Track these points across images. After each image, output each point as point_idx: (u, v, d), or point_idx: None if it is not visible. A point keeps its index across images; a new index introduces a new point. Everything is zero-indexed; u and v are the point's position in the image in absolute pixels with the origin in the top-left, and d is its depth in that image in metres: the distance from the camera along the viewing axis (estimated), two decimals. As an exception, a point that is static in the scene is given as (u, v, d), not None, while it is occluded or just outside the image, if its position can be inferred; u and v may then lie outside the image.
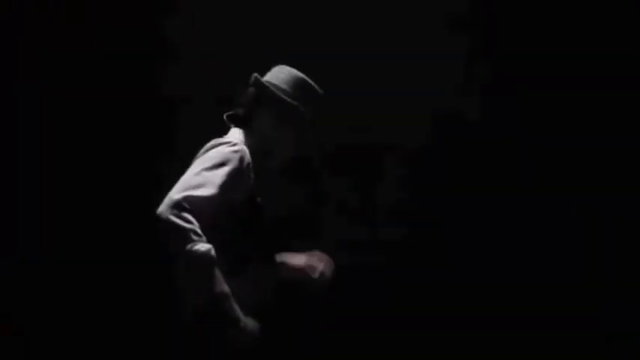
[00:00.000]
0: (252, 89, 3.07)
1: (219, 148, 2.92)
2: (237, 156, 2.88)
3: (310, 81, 3.08)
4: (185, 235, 2.69)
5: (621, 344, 5.00)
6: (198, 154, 2.94)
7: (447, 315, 5.02)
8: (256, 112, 3.06)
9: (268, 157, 3.01)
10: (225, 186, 2.79)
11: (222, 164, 2.84)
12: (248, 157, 2.91)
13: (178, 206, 2.69)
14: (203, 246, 2.70)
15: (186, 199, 2.70)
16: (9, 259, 4.91)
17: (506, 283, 5.06)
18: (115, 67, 5.03)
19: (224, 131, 3.17)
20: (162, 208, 2.71)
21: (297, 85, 3.05)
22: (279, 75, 3.09)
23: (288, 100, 3.01)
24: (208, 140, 2.98)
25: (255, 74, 3.08)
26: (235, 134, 3.06)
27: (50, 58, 4.98)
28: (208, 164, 2.83)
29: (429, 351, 4.98)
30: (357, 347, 4.88)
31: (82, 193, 4.97)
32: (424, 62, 5.09)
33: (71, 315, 4.91)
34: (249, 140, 3.03)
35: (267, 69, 3.23)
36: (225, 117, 3.10)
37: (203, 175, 2.79)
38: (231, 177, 2.82)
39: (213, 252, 2.70)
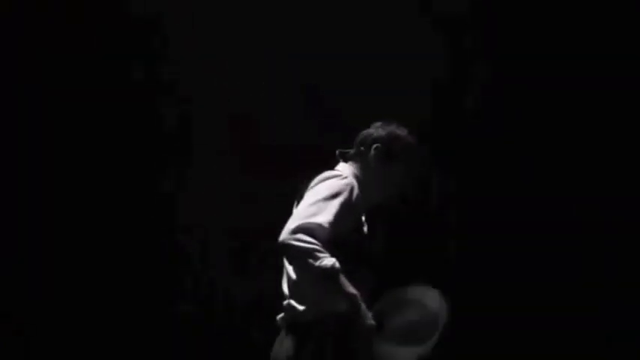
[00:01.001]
0: (377, 137, 3.21)
1: (332, 180, 3.06)
2: (348, 188, 3.03)
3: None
4: (310, 255, 2.87)
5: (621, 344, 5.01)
6: (310, 186, 3.07)
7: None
8: (367, 150, 3.20)
9: (375, 192, 3.17)
10: (338, 215, 2.95)
11: (335, 195, 2.99)
12: (357, 189, 3.05)
13: (297, 231, 2.87)
14: (329, 260, 2.87)
15: (303, 225, 2.89)
16: (9, 259, 4.91)
17: (505, 283, 5.07)
18: (114, 67, 5.03)
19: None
20: (283, 237, 2.89)
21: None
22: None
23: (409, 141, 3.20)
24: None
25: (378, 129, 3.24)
26: (345, 168, 3.20)
27: (50, 58, 4.98)
28: (322, 195, 2.99)
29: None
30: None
31: (82, 193, 4.97)
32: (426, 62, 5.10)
33: (71, 315, 4.91)
34: (356, 174, 3.18)
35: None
36: (337, 152, 3.25)
37: (317, 205, 2.95)
38: (343, 207, 2.98)
39: (337, 264, 2.88)
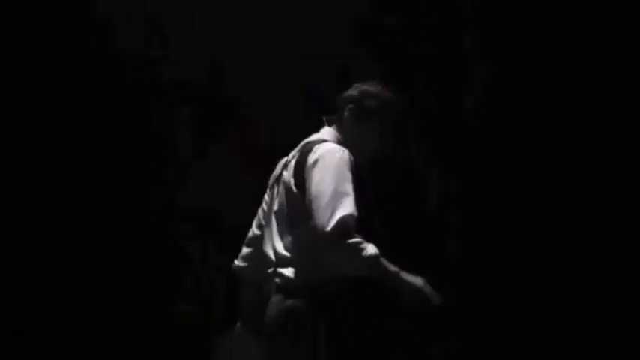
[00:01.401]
0: (349, 97, 3.22)
1: (333, 156, 3.09)
2: (344, 163, 3.07)
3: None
4: (356, 250, 2.96)
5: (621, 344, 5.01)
6: (310, 162, 3.10)
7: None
8: (343, 112, 3.23)
9: (356, 151, 3.15)
10: (355, 197, 3.02)
11: (342, 177, 3.05)
12: (348, 154, 3.09)
13: (336, 230, 2.96)
14: (371, 248, 2.96)
15: (339, 223, 2.97)
16: (10, 259, 4.91)
17: (505, 283, 5.07)
18: (114, 67, 5.04)
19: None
20: (324, 239, 2.97)
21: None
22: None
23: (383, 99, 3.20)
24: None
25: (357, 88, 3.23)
26: (326, 132, 3.23)
27: (49, 57, 4.99)
28: (334, 177, 3.05)
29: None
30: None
31: (83, 194, 4.98)
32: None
33: (72, 315, 4.92)
34: (338, 137, 3.21)
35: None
36: (324, 119, 3.25)
37: (338, 192, 3.03)
38: (353, 185, 3.04)
39: (376, 248, 2.98)
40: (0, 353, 4.81)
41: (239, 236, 3.33)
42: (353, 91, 3.24)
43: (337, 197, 3.01)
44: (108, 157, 5.01)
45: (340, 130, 3.21)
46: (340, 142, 3.16)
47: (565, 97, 5.14)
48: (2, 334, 4.87)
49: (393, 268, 3.00)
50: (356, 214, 2.97)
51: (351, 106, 3.21)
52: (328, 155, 3.07)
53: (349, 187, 3.00)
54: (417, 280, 3.03)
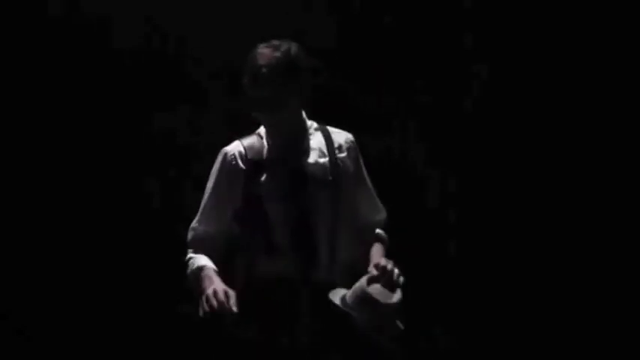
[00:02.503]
0: None
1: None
2: (218, 160, 3.07)
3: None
4: (186, 265, 3.11)
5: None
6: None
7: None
8: None
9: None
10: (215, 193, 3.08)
11: (209, 181, 3.11)
12: (232, 153, 3.03)
13: None
14: (196, 260, 3.07)
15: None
16: (10, 259, 4.91)
17: (506, 283, 5.07)
18: (112, 67, 5.03)
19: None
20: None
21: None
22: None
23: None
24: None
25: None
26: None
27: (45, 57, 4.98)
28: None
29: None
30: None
31: (84, 194, 4.97)
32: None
33: (72, 316, 4.91)
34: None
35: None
36: None
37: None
38: (214, 185, 3.07)
39: (200, 262, 3.02)
40: (0, 353, 4.81)
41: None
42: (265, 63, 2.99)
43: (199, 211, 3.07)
44: (110, 157, 5.00)
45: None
46: (268, 132, 3.06)
47: (565, 97, 5.13)
48: (2, 334, 4.86)
49: (207, 278, 2.91)
50: (199, 225, 3.01)
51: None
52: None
53: (207, 197, 3.03)
54: (211, 288, 2.87)
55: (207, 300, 2.85)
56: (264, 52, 2.94)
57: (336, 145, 3.08)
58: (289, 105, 2.99)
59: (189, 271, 2.99)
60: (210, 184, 3.05)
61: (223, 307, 2.82)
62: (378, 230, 3.19)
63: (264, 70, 2.92)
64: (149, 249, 4.96)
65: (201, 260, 2.97)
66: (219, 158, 3.03)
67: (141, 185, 5.02)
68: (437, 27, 5.15)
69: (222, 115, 5.01)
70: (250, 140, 3.05)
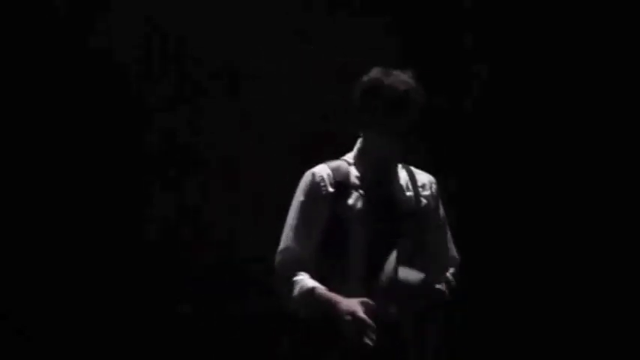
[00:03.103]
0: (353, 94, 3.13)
1: (298, 186, 3.13)
2: (306, 182, 3.05)
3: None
4: (288, 286, 3.00)
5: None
6: None
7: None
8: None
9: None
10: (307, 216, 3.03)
11: (296, 203, 3.07)
12: (320, 175, 3.03)
13: (275, 270, 3.04)
14: (305, 282, 2.97)
15: (276, 260, 3.06)
16: (10, 258, 4.91)
17: (507, 283, 5.07)
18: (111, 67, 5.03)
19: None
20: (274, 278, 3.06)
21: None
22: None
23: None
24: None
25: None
26: (355, 147, 3.18)
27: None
28: (290, 210, 3.09)
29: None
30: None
31: (84, 194, 4.97)
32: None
33: (72, 316, 4.91)
34: (360, 147, 3.14)
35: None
36: None
37: (286, 226, 3.07)
38: (305, 207, 3.03)
39: (310, 284, 2.95)
40: (0, 353, 4.81)
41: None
42: (355, 91, 3.08)
43: (284, 232, 3.00)
44: (111, 157, 5.00)
45: (362, 140, 3.10)
46: (358, 155, 3.07)
47: (565, 96, 5.13)
48: (2, 334, 4.86)
49: (326, 297, 2.86)
50: (293, 245, 2.93)
51: (356, 104, 3.07)
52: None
53: (292, 219, 2.97)
54: (352, 306, 2.81)
55: (361, 321, 2.80)
56: (401, 79, 3.04)
57: (419, 183, 3.17)
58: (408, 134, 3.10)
59: (301, 292, 2.89)
60: (296, 204, 3.02)
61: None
62: (448, 273, 3.24)
63: (404, 96, 3.01)
64: (149, 249, 4.96)
65: (308, 281, 2.92)
66: (307, 179, 3.03)
67: (141, 185, 5.02)
68: (437, 27, 5.15)
69: (222, 115, 5.01)
70: (336, 164, 3.07)
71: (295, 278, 2.91)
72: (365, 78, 3.07)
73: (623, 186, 5.11)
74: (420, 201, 3.11)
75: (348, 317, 2.79)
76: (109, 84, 5.00)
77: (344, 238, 2.96)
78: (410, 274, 2.91)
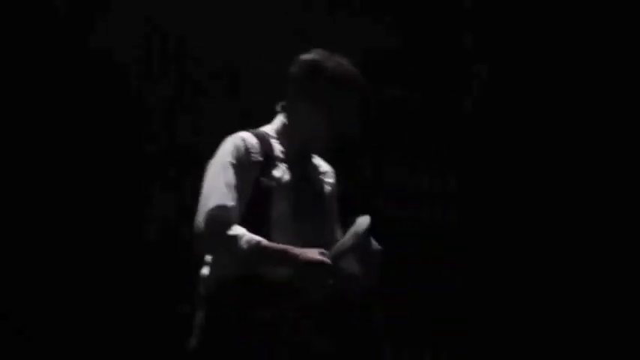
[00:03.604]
0: (290, 74, 3.09)
1: (220, 149, 3.07)
2: (233, 145, 3.02)
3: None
4: (232, 242, 2.87)
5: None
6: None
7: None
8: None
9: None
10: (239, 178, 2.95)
11: (221, 164, 3.00)
12: (250, 142, 2.99)
13: (207, 230, 2.88)
14: (249, 235, 2.86)
15: (207, 218, 2.89)
16: (9, 258, 4.90)
17: (508, 282, 5.07)
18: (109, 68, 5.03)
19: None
20: (198, 241, 2.92)
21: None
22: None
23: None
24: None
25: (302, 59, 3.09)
26: (273, 123, 3.13)
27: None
28: (211, 173, 3.01)
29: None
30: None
31: (85, 193, 4.97)
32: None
33: (72, 316, 4.91)
34: (284, 126, 3.09)
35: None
36: (278, 106, 3.14)
37: (210, 187, 2.98)
38: (236, 168, 2.96)
39: (254, 236, 2.86)
40: (0, 353, 4.81)
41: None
42: (294, 67, 3.07)
43: (209, 192, 2.91)
44: (109, 156, 5.00)
45: (289, 116, 3.07)
46: (283, 130, 3.04)
47: (565, 96, 5.14)
48: (2, 334, 4.86)
49: (278, 247, 2.82)
50: (230, 203, 2.85)
51: (293, 85, 3.05)
52: (218, 150, 3.01)
53: (224, 178, 2.90)
54: (310, 253, 2.81)
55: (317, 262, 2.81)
56: (344, 63, 3.07)
57: (323, 170, 3.17)
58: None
59: (249, 245, 2.81)
60: (225, 165, 2.97)
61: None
62: None
63: (348, 79, 3.02)
64: (149, 249, 4.96)
65: (251, 234, 2.85)
66: (237, 143, 3.00)
67: (141, 185, 5.02)
68: (437, 27, 5.16)
69: (222, 115, 5.01)
70: (260, 134, 3.05)
71: (233, 233, 2.83)
72: (306, 57, 3.06)
73: (622, 185, 5.12)
74: (326, 187, 3.12)
75: (308, 261, 2.79)
76: (109, 84, 5.00)
77: (267, 209, 2.93)
78: (374, 244, 2.95)
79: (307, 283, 2.81)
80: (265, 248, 2.81)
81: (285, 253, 2.81)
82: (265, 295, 2.85)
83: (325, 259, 2.79)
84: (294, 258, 2.80)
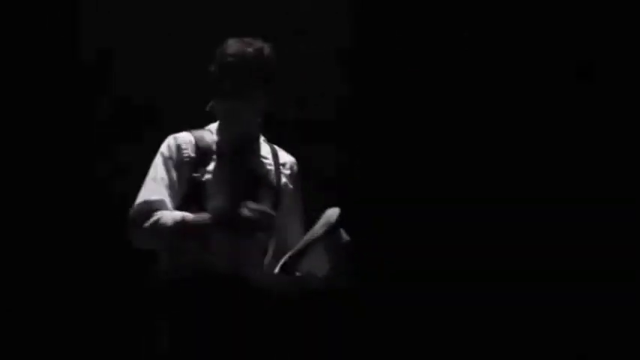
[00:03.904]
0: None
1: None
2: (166, 144, 3.11)
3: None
4: (153, 226, 3.01)
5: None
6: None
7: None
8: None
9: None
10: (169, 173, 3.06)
11: (155, 163, 3.12)
12: (182, 139, 3.08)
13: (132, 223, 3.04)
14: (167, 215, 2.98)
15: (131, 213, 3.07)
16: (8, 258, 4.90)
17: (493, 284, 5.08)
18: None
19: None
20: (130, 236, 3.06)
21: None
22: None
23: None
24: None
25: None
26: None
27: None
28: (149, 172, 3.12)
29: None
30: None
31: (84, 193, 4.97)
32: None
33: (71, 316, 4.91)
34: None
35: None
36: None
37: (143, 184, 3.09)
38: (166, 164, 3.07)
39: (175, 215, 2.97)
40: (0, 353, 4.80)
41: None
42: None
43: (139, 193, 3.04)
44: (109, 156, 5.00)
45: (216, 112, 3.15)
46: (218, 129, 3.13)
47: (565, 96, 5.14)
48: (2, 334, 4.86)
49: (206, 214, 2.92)
50: (154, 197, 2.96)
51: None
52: None
53: (152, 174, 3.02)
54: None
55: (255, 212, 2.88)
56: (236, 44, 3.06)
57: (281, 161, 3.20)
58: (250, 97, 3.08)
59: (174, 219, 2.92)
60: (158, 163, 3.07)
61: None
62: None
63: (231, 59, 3.02)
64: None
65: (174, 213, 2.96)
66: (170, 142, 3.08)
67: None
68: (437, 27, 5.16)
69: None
70: (199, 132, 3.13)
71: (156, 216, 2.94)
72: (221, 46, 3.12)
73: (623, 183, 5.12)
74: (280, 178, 3.15)
75: (245, 211, 2.88)
76: (109, 84, 5.01)
77: (202, 203, 3.00)
78: (344, 236, 2.97)
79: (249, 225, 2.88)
80: (192, 219, 2.92)
81: (218, 216, 2.91)
82: (217, 290, 2.94)
83: (261, 207, 2.90)
84: (225, 217, 2.91)
